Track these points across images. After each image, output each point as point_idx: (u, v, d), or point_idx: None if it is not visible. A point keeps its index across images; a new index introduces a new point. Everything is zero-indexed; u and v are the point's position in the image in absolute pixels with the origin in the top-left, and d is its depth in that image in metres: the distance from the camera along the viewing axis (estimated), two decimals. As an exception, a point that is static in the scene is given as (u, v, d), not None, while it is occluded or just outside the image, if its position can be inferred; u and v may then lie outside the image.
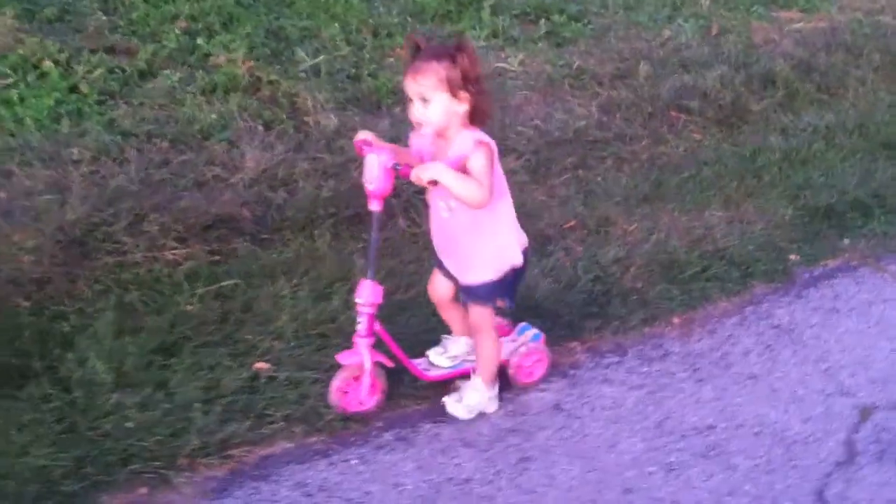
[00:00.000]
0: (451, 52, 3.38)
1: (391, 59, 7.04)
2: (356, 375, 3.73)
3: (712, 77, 6.86)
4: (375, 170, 3.53)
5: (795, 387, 4.10)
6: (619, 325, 4.44)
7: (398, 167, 3.49)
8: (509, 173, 5.46)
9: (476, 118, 3.49)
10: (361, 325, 3.71)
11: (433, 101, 3.40)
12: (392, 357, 3.82)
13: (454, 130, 3.48)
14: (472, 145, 3.41)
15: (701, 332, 4.46)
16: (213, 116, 5.78)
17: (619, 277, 4.72)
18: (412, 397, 3.92)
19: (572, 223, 5.18)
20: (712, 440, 3.76)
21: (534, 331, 4.05)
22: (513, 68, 6.94)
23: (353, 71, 6.77)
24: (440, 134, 3.50)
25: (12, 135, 5.47)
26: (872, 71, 7.50)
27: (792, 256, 5.10)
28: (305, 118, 5.93)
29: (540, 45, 7.57)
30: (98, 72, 6.17)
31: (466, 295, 3.75)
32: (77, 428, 3.58)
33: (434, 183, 3.38)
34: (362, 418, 3.78)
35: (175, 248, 4.65)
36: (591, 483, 3.52)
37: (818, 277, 4.98)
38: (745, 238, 5.15)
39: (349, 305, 4.31)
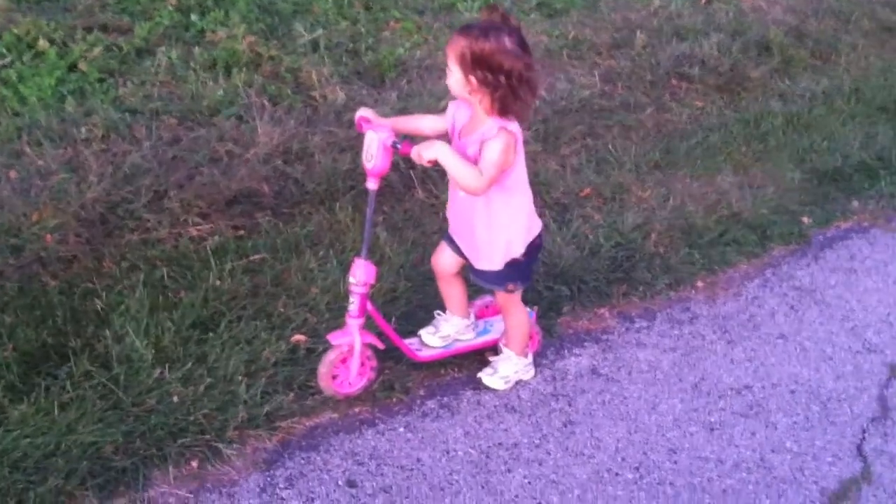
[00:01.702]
0: (476, 34, 3.27)
1: (386, 33, 7.03)
2: (345, 356, 3.69)
3: (709, 45, 6.93)
4: (374, 147, 3.48)
5: (824, 346, 4.18)
6: (646, 290, 4.49)
7: (397, 144, 3.42)
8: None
9: (505, 111, 3.34)
10: (353, 305, 3.63)
11: (452, 72, 3.35)
12: (383, 338, 3.79)
13: (480, 114, 3.39)
14: (496, 130, 3.34)
15: (725, 294, 4.53)
16: (220, 93, 5.75)
17: (641, 243, 4.77)
18: (450, 365, 3.94)
19: (587, 191, 5.22)
20: (750, 399, 3.83)
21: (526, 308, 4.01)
22: (510, 39, 6.93)
23: (352, 45, 6.74)
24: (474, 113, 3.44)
25: (17, 114, 5.41)
26: (862, 36, 7.62)
27: (804, 219, 5.19)
28: (312, 93, 5.91)
29: (532, 16, 7.59)
30: (96, 50, 6.10)
31: (477, 277, 3.74)
32: (122, 404, 3.56)
33: (434, 163, 3.33)
34: (404, 388, 3.80)
35: (199, 224, 4.63)
36: (636, 444, 3.57)
37: (832, 239, 5.07)
38: (758, 202, 5.22)
39: (377, 277, 4.35)
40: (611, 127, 5.96)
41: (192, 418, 3.54)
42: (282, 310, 4.12)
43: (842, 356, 4.11)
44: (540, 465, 3.45)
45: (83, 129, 5.25)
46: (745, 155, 5.73)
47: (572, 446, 3.55)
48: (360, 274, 3.62)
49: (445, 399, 3.78)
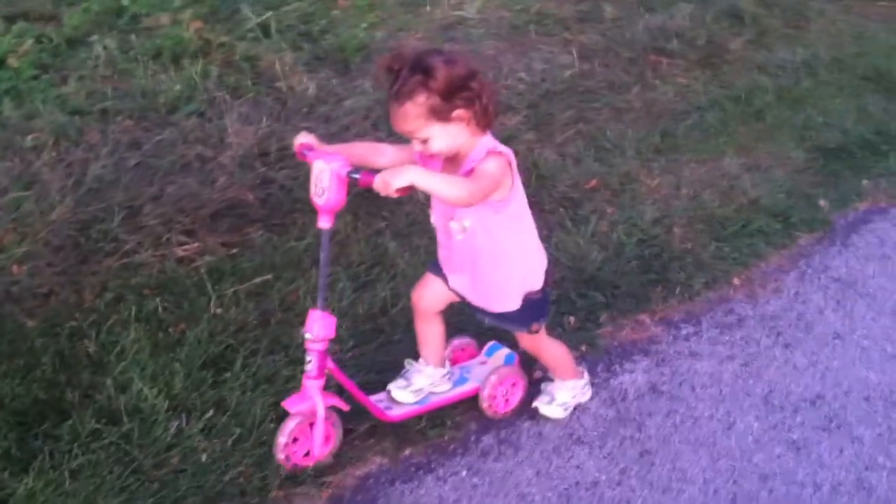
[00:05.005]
0: (419, 81, 2.78)
1: (336, 12, 6.53)
2: (308, 423, 3.14)
3: (681, 16, 6.62)
4: (326, 179, 2.92)
5: (883, 344, 3.93)
6: (683, 292, 4.16)
7: (354, 175, 2.86)
8: (515, 130, 5.15)
9: (483, 119, 2.90)
10: (311, 364, 3.10)
11: (431, 138, 2.87)
12: (347, 397, 3.27)
13: (467, 145, 2.93)
14: (484, 154, 2.90)
15: (765, 292, 4.24)
16: (177, 87, 5.20)
17: (665, 239, 4.44)
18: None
19: (594, 182, 4.86)
20: (827, 411, 3.54)
21: (505, 351, 3.56)
22: (471, 16, 6.53)
23: (304, 27, 6.23)
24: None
25: (-56, 122, 4.79)
26: (828, 1, 7.40)
27: (821, 202, 4.93)
28: (276, 84, 5.41)
29: (488, -13, 7.17)
30: (27, 43, 5.49)
31: (495, 321, 3.27)
32: (142, 468, 3.08)
33: (406, 192, 2.76)
34: (455, 422, 3.40)
35: (184, 244, 4.13)
36: (723, 473, 3.24)
37: (854, 223, 4.84)
38: (773, 186, 4.94)
39: (396, 293, 3.94)
40: (600, 109, 5.60)
41: (227, 478, 3.08)
42: (299, 340, 3.65)
43: (904, 355, 3.87)
44: (628, 506, 3.10)
45: (29, 137, 4.67)
46: (745, 135, 5.45)
47: (656, 481, 3.19)
48: (318, 328, 3.08)
49: (503, 433, 3.38)
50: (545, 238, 4.27)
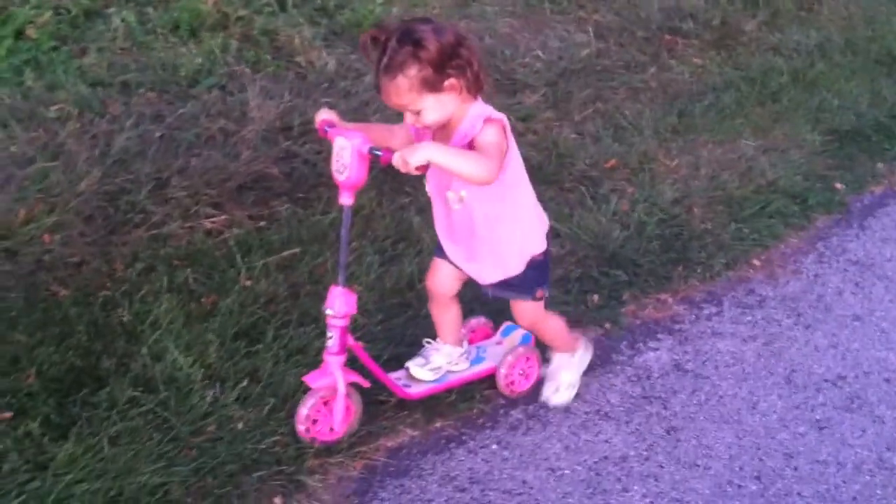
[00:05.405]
0: (410, 52, 2.75)
1: (350, -16, 6.52)
2: (327, 399, 3.17)
3: (695, -4, 6.66)
4: (347, 156, 2.91)
5: (902, 326, 4.00)
6: (704, 272, 4.22)
7: (376, 152, 2.86)
8: (533, 109, 5.19)
9: (474, 86, 2.88)
10: (332, 340, 3.13)
11: (424, 109, 2.84)
12: (367, 374, 3.27)
13: (458, 112, 2.91)
14: (480, 124, 2.87)
15: (785, 273, 4.30)
16: (198, 60, 5.22)
17: (686, 219, 4.50)
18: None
19: (613, 162, 4.90)
20: (848, 391, 3.61)
21: (521, 332, 3.53)
22: (486, -7, 6.55)
23: (319, 2, 6.23)
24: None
25: (-34, 90, 4.81)
26: (835, -17, 7.45)
27: (837, 185, 4.99)
28: (296, 58, 5.43)
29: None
30: (46, 14, 5.48)
31: (499, 291, 3.26)
32: (180, 435, 3.13)
33: (425, 168, 2.78)
34: (484, 396, 3.46)
35: (212, 216, 4.16)
36: (749, 450, 3.30)
37: (871, 206, 4.90)
38: (790, 168, 5.00)
39: (422, 268, 3.98)
40: (616, 89, 5.64)
41: (262, 447, 3.13)
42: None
43: (922, 338, 3.94)
44: (656, 480, 3.16)
45: (52, 109, 4.69)
46: (760, 117, 5.49)
47: (683, 457, 3.26)
48: (339, 305, 3.11)
49: (530, 408, 3.44)
50: (567, 216, 4.38)
